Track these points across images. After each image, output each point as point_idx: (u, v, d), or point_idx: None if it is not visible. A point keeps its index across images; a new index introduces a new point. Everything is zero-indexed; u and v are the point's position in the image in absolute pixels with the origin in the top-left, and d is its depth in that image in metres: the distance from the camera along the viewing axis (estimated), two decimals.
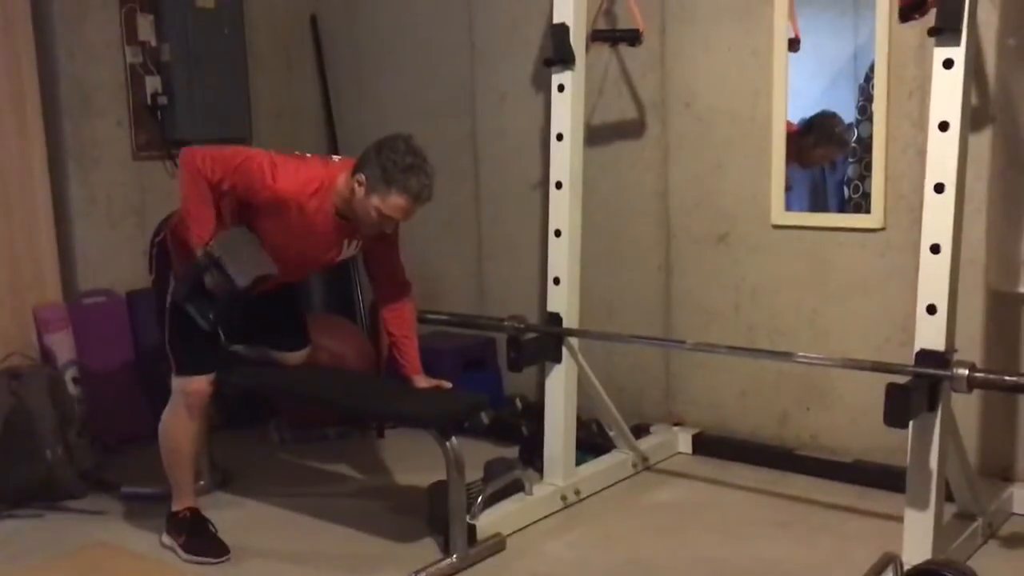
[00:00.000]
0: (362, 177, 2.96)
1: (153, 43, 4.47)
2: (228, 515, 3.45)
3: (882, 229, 3.56)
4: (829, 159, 3.78)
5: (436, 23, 4.66)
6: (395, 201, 2.94)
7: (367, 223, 3.03)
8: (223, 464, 3.84)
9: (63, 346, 4.10)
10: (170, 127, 4.52)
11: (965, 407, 3.19)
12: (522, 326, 3.63)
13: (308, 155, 3.22)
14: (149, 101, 4.46)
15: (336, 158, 3.24)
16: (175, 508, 3.29)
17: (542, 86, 4.18)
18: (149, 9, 4.45)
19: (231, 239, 3.01)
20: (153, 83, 4.47)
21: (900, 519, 2.90)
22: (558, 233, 3.55)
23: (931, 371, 2.78)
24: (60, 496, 3.65)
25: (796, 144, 3.74)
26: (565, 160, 3.53)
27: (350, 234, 3.13)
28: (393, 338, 3.33)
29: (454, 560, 3.05)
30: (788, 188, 3.75)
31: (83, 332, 4.18)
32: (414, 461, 3.90)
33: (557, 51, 3.51)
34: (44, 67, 4.21)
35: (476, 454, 3.57)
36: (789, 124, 3.72)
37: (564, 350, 3.57)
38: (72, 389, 3.99)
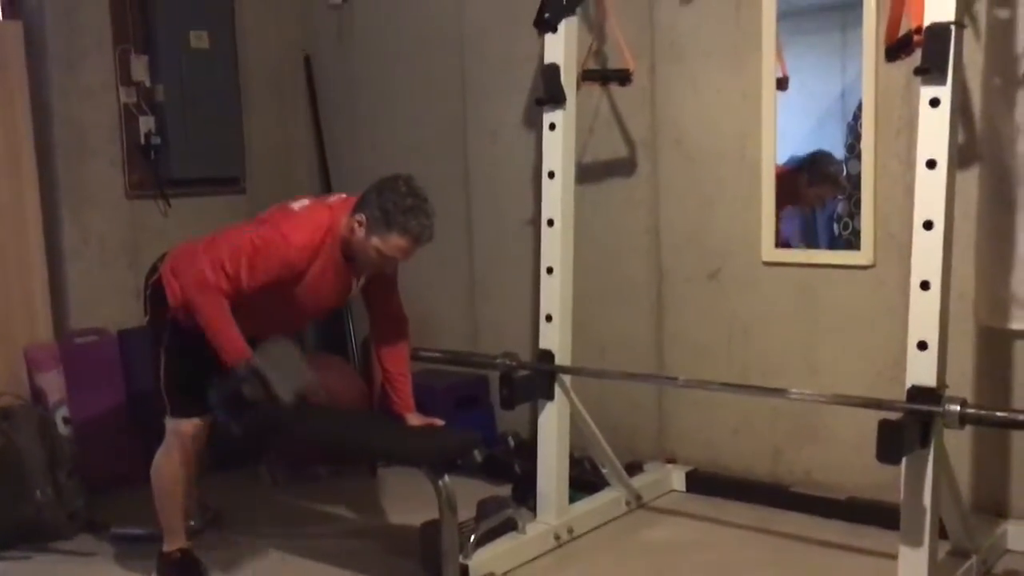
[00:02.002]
0: (362, 217, 2.96)
1: (147, 83, 4.50)
2: (219, 556, 3.43)
3: (872, 266, 3.58)
4: (823, 198, 3.81)
5: (428, 63, 4.70)
6: (396, 242, 2.95)
7: (367, 263, 3.04)
8: (214, 504, 3.81)
9: (54, 386, 4.09)
10: (164, 167, 4.54)
11: (957, 443, 3.19)
12: (514, 363, 3.63)
13: (305, 201, 3.18)
14: (143, 141, 4.49)
15: (333, 198, 3.22)
16: (166, 549, 3.26)
17: (534, 124, 4.21)
18: (143, 50, 4.49)
19: (273, 353, 2.94)
20: (147, 123, 4.49)
21: (894, 557, 2.88)
22: (550, 270, 3.57)
23: (923, 407, 2.79)
24: (49, 537, 3.62)
25: (790, 183, 3.77)
26: (557, 198, 3.55)
27: (357, 273, 3.14)
28: (387, 374, 3.32)
29: None
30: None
31: (74, 372, 4.16)
32: (406, 500, 3.88)
33: (548, 90, 3.54)
34: (38, 107, 4.24)
35: (469, 492, 3.55)
36: (779, 167, 3.74)
37: (557, 387, 3.57)
38: (62, 429, 3.98)
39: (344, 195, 3.20)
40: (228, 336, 2.92)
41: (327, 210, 3.09)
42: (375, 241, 2.95)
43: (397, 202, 2.93)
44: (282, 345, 2.98)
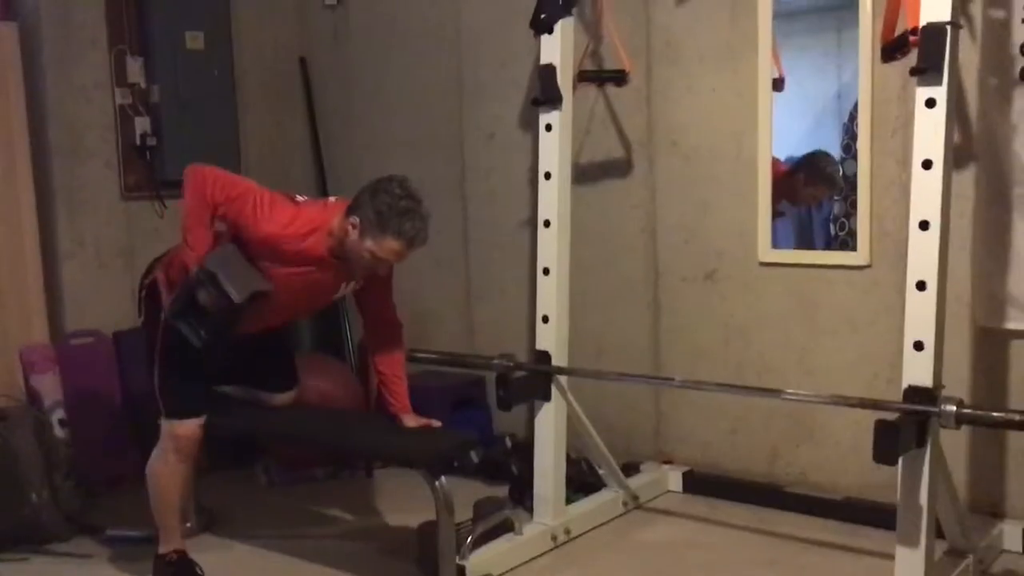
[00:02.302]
0: (356, 219, 2.96)
1: (143, 85, 4.49)
2: (215, 557, 3.42)
3: (868, 266, 3.58)
4: (819, 198, 3.81)
5: (425, 64, 4.70)
6: (389, 245, 2.94)
7: (360, 264, 3.03)
8: (210, 506, 3.80)
9: (49, 387, 4.08)
10: (159, 168, 4.53)
11: (954, 443, 3.19)
12: (511, 364, 3.62)
13: (307, 199, 3.20)
14: (138, 142, 4.48)
15: (333, 199, 3.23)
16: (162, 550, 3.26)
17: (530, 125, 4.21)
18: (139, 51, 4.48)
19: (225, 256, 3.00)
20: (142, 124, 4.48)
21: (891, 557, 2.88)
22: (547, 271, 3.57)
23: (919, 407, 2.79)
24: (45, 539, 3.61)
25: (787, 182, 3.77)
26: (553, 198, 3.55)
27: (347, 275, 3.13)
28: (383, 377, 3.32)
29: None
30: (779, 215, 3.78)
31: (70, 373, 4.15)
32: (403, 501, 3.88)
33: (544, 91, 3.54)
34: (33, 108, 4.23)
35: (466, 493, 3.55)
36: (778, 163, 3.75)
37: (553, 388, 3.57)
38: (58, 431, 3.96)
39: (340, 198, 3.21)
40: (195, 234, 3.02)
41: (322, 209, 3.10)
42: (369, 243, 2.94)
43: (391, 204, 2.92)
44: (234, 250, 3.03)
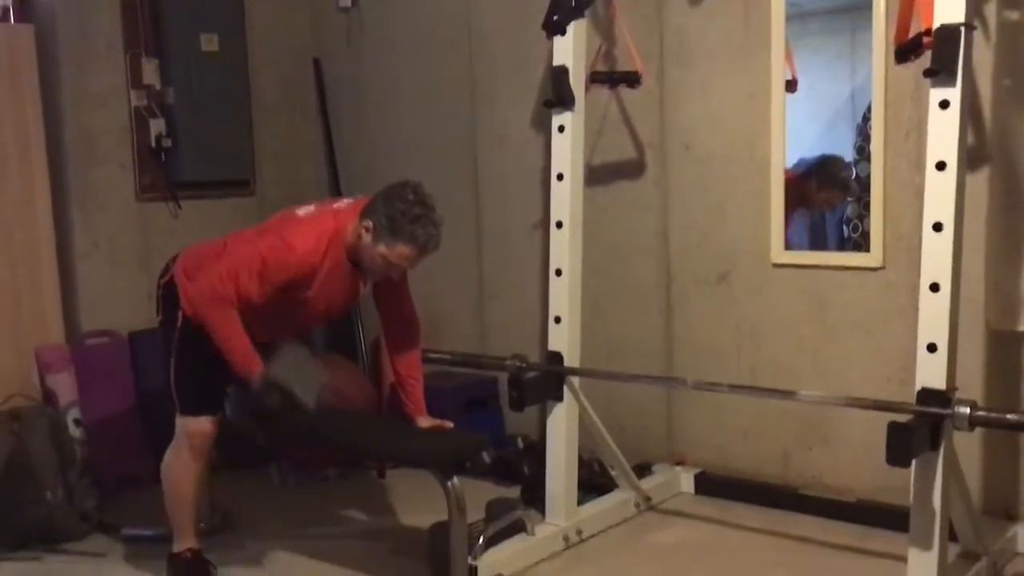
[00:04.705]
0: (369, 224, 2.97)
1: (158, 87, 4.52)
2: (229, 556, 3.44)
3: (881, 268, 3.57)
4: (832, 204, 3.81)
5: (437, 65, 4.71)
6: (401, 250, 2.96)
7: (373, 268, 3.05)
8: (224, 505, 3.82)
9: (65, 387, 4.10)
10: (174, 169, 4.56)
11: (967, 446, 3.18)
12: (523, 365, 3.63)
13: (311, 208, 3.18)
14: (153, 144, 4.50)
15: (343, 202, 3.22)
16: (176, 549, 3.27)
17: (542, 127, 4.22)
18: (154, 53, 4.51)
19: (288, 362, 2.98)
20: (157, 126, 4.50)
21: (904, 559, 2.88)
22: (559, 272, 3.57)
23: (933, 410, 2.78)
24: (60, 538, 3.63)
25: (800, 187, 3.77)
26: (566, 200, 3.56)
27: (364, 278, 3.14)
28: (400, 378, 3.32)
29: None
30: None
31: (85, 373, 4.18)
32: (415, 501, 3.89)
33: (557, 92, 3.55)
34: (49, 110, 4.26)
35: (478, 494, 3.56)
36: (789, 172, 3.74)
37: (565, 389, 3.57)
38: (73, 430, 3.98)
39: (352, 199, 3.21)
40: (240, 350, 2.97)
41: (332, 216, 3.09)
42: (382, 248, 2.96)
43: (405, 210, 2.93)
44: (295, 350, 3.01)
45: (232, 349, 2.97)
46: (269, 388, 2.92)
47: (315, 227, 3.05)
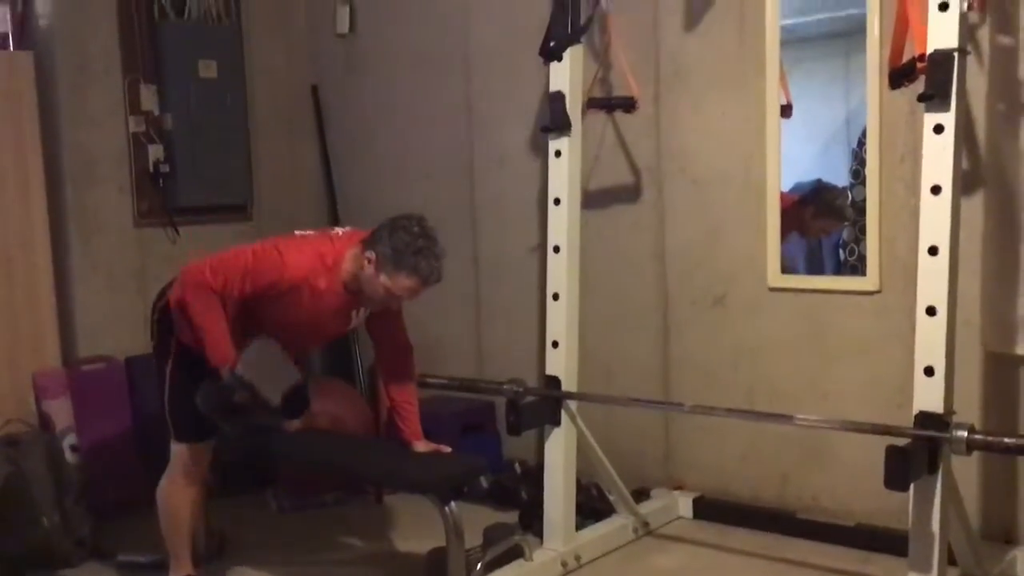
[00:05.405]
0: (372, 255, 2.99)
1: (156, 112, 4.54)
2: None
3: (878, 291, 3.58)
4: (828, 231, 3.83)
5: (435, 91, 4.73)
6: (404, 283, 2.98)
7: (374, 298, 3.06)
8: (220, 531, 3.80)
9: (61, 413, 4.10)
10: (172, 194, 4.57)
11: (965, 470, 3.17)
12: (521, 390, 3.62)
13: (310, 232, 3.22)
14: (151, 169, 4.52)
15: (340, 231, 3.25)
16: (173, 575, 3.25)
17: (539, 151, 4.24)
18: (152, 79, 4.53)
19: (257, 357, 2.97)
20: (156, 151, 4.52)
21: None
22: (556, 297, 3.57)
23: (930, 433, 2.78)
24: (56, 564, 3.62)
25: (796, 214, 3.78)
26: (563, 224, 3.57)
27: (358, 306, 3.15)
28: (394, 403, 3.33)
29: None
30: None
31: (82, 399, 4.17)
32: (413, 527, 3.87)
33: (554, 118, 3.57)
34: (48, 135, 4.28)
35: (475, 519, 3.54)
36: (786, 196, 3.75)
37: (563, 414, 3.56)
38: (70, 456, 3.98)
39: (351, 228, 3.24)
40: (216, 337, 2.97)
41: (329, 241, 3.12)
42: (383, 279, 2.98)
43: (408, 243, 2.95)
44: (266, 347, 3.01)
45: (208, 334, 2.97)
46: (237, 382, 2.91)
47: (311, 245, 3.08)
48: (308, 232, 3.22)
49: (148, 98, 4.52)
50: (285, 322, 3.06)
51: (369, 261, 2.99)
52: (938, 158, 2.80)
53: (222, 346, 2.96)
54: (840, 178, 3.71)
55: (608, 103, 3.97)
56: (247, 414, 2.99)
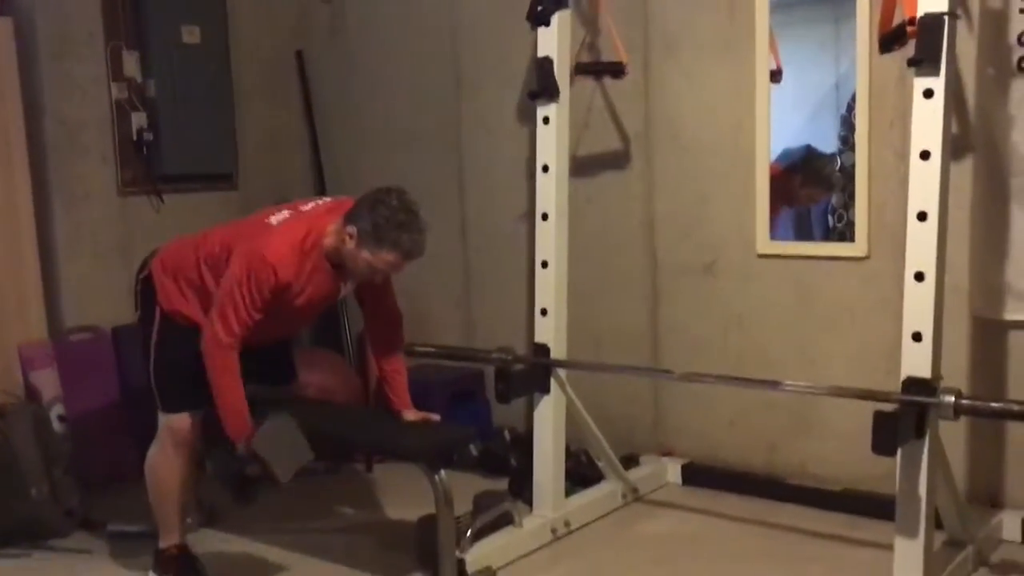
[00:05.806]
0: (353, 230, 2.95)
1: (139, 79, 4.48)
2: (215, 552, 3.43)
3: (866, 257, 3.58)
4: (815, 199, 3.82)
5: (422, 57, 4.69)
6: (386, 257, 2.94)
7: (357, 273, 3.03)
8: (210, 501, 3.80)
9: (48, 383, 4.08)
10: (156, 163, 4.52)
11: (953, 434, 3.19)
12: (510, 358, 3.63)
13: (285, 213, 3.11)
14: (135, 137, 4.46)
15: (320, 203, 3.18)
16: (162, 545, 3.26)
17: (527, 118, 4.20)
18: (135, 46, 4.47)
19: (273, 433, 2.95)
20: (139, 119, 4.47)
21: (890, 548, 2.89)
22: (545, 264, 3.56)
23: (918, 399, 2.79)
24: (45, 535, 3.61)
25: (784, 183, 3.77)
26: (551, 192, 3.55)
27: (345, 279, 3.13)
28: (383, 372, 3.32)
29: None
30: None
31: (68, 369, 4.15)
32: (403, 495, 3.88)
33: (542, 84, 3.54)
34: (29, 104, 4.22)
35: (465, 487, 3.55)
36: (774, 166, 3.74)
37: (552, 381, 3.57)
38: (57, 427, 3.97)
39: (331, 199, 3.19)
40: (234, 406, 2.95)
41: (305, 222, 3.05)
42: (365, 254, 2.94)
43: (389, 217, 2.91)
44: (282, 423, 2.99)
45: (225, 405, 2.95)
46: (251, 457, 2.93)
47: (288, 238, 2.99)
48: (283, 214, 3.11)
49: (131, 65, 4.46)
50: (280, 311, 3.03)
51: (351, 236, 2.95)
52: (928, 123, 2.79)
53: (239, 418, 2.94)
54: (829, 144, 3.70)
55: (596, 69, 3.95)
56: (256, 485, 3.01)
